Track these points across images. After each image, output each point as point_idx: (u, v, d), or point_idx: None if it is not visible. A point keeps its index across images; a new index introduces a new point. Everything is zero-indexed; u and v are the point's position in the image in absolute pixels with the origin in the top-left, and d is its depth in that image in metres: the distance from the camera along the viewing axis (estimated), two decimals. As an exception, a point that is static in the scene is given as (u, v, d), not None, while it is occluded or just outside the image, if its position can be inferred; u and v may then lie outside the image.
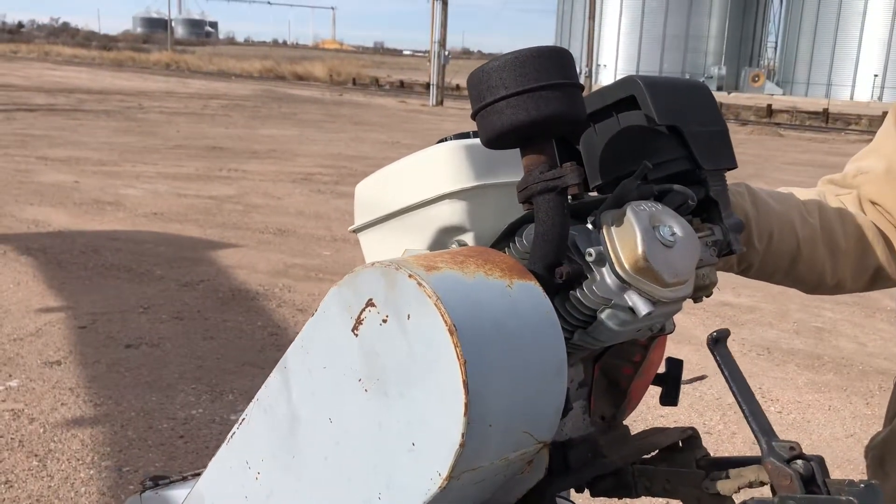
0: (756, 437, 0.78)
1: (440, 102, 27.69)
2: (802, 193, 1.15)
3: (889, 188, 1.12)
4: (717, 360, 0.83)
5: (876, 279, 1.14)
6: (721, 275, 0.99)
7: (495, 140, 0.74)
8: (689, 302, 0.86)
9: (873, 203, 1.14)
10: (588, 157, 0.90)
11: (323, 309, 0.70)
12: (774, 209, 1.07)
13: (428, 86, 29.45)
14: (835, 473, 0.78)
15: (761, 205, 1.06)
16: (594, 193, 0.91)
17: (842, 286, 1.14)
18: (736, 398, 0.81)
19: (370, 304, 0.67)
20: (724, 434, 3.92)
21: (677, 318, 0.89)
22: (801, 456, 0.75)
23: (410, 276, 0.64)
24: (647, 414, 3.71)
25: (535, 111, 0.71)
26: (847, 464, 3.71)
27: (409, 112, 24.53)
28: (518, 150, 0.75)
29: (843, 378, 4.79)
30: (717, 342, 0.84)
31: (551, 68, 0.72)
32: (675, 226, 0.77)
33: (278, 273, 6.31)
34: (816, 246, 1.09)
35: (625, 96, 0.86)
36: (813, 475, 0.74)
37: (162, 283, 5.84)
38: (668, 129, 0.86)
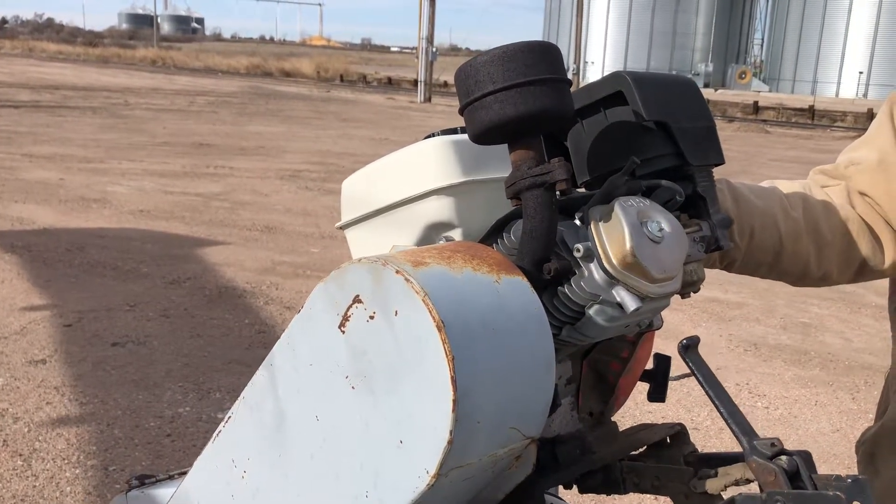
0: (737, 437, 0.78)
1: (428, 99, 27.66)
2: (786, 186, 1.15)
3: (880, 179, 1.12)
4: (689, 367, 0.83)
5: (862, 271, 1.15)
6: (708, 271, 0.99)
7: (483, 135, 0.74)
8: (676, 298, 0.86)
9: (862, 194, 1.14)
10: (576, 153, 0.89)
11: (309, 306, 0.70)
12: (756, 205, 1.07)
13: (416, 82, 29.41)
14: (821, 468, 0.78)
15: (742, 201, 1.06)
16: (582, 189, 0.91)
17: (828, 278, 1.15)
18: (713, 402, 0.81)
19: (357, 300, 0.66)
20: (712, 429, 3.94)
21: (665, 314, 0.89)
22: (784, 451, 0.75)
23: (398, 271, 0.64)
24: (634, 410, 3.72)
25: (524, 106, 0.71)
26: (833, 458, 3.73)
27: (397, 109, 24.48)
28: (506, 145, 0.75)
29: (829, 373, 4.82)
30: (688, 349, 0.84)
31: (539, 63, 0.72)
32: (662, 221, 0.76)
33: (266, 270, 6.29)
34: (800, 239, 1.09)
35: (612, 92, 0.86)
36: (798, 470, 0.74)
37: (148, 281, 5.81)
38: (655, 124, 0.85)
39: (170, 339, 4.72)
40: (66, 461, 3.34)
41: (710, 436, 3.87)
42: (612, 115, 0.87)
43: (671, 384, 0.96)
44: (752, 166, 14.16)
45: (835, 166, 1.19)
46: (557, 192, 0.73)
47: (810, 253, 1.10)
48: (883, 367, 1.34)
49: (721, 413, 0.80)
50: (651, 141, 0.86)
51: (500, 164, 0.82)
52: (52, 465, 3.31)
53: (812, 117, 27.29)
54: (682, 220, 0.87)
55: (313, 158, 12.55)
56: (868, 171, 1.14)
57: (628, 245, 0.73)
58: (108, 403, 3.85)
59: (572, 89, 0.77)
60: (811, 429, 4.08)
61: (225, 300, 5.50)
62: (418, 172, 0.84)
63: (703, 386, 0.82)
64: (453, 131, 0.87)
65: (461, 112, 0.74)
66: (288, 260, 6.65)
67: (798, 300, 6.21)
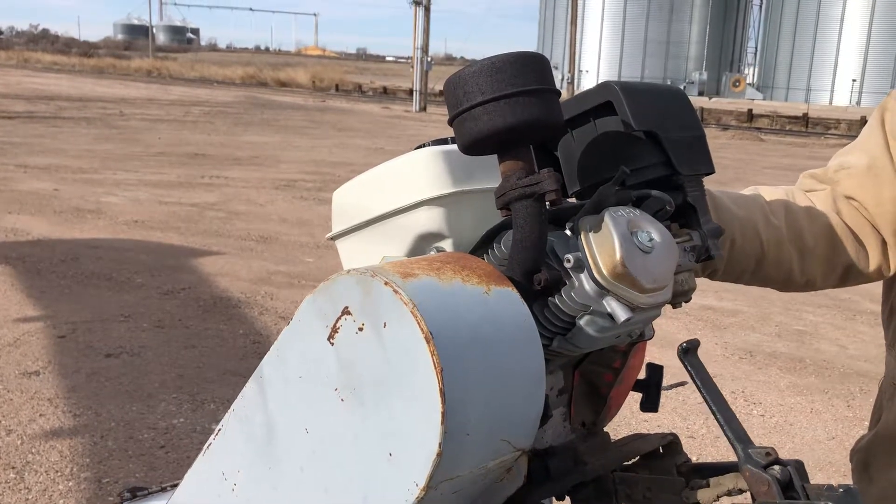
0: (732, 444, 0.78)
1: (423, 108, 27.73)
2: (769, 193, 1.15)
3: (869, 183, 1.13)
4: (688, 371, 0.83)
5: (847, 276, 1.15)
6: (700, 279, 0.99)
7: (472, 146, 0.73)
8: (669, 307, 0.86)
9: (850, 198, 1.15)
10: (566, 163, 0.89)
11: (298, 317, 0.69)
12: (736, 214, 1.07)
13: (411, 92, 29.49)
14: (817, 476, 0.78)
15: (723, 211, 1.06)
16: (572, 199, 0.91)
17: (812, 284, 1.15)
18: (710, 407, 0.81)
19: (346, 312, 0.66)
20: (708, 438, 3.93)
21: (660, 321, 0.89)
22: (778, 461, 0.75)
23: (386, 283, 0.64)
24: (630, 418, 3.72)
25: (512, 117, 0.71)
26: (829, 466, 3.73)
27: (392, 118, 24.52)
28: (496, 155, 0.75)
29: (824, 381, 4.83)
30: (688, 352, 0.84)
31: (528, 74, 0.72)
32: (653, 231, 0.76)
33: (260, 280, 6.28)
34: (782, 246, 1.10)
35: (602, 102, 0.86)
36: (791, 480, 0.74)
37: (143, 292, 5.79)
38: (645, 134, 0.85)
39: (164, 349, 4.70)
40: (59, 473, 3.32)
41: (706, 444, 3.87)
42: (601, 126, 0.87)
43: (667, 393, 0.96)
44: (746, 174, 14.20)
45: (825, 170, 1.20)
46: (547, 203, 0.73)
47: (793, 259, 1.11)
48: (878, 374, 1.34)
49: (717, 419, 0.80)
50: (641, 151, 0.86)
51: (490, 174, 0.82)
52: (45, 477, 3.29)
53: (806, 125, 27.41)
54: (672, 230, 0.87)
55: (308, 168, 12.56)
56: (857, 176, 1.15)
57: (618, 255, 0.72)
58: (101, 415, 3.83)
59: (566, 98, 0.77)
60: (807, 436, 4.07)
61: (219, 311, 5.49)
62: (408, 183, 0.84)
63: (700, 391, 0.82)
64: (444, 141, 0.87)
65: (450, 123, 0.74)
66: (283, 270, 6.64)
67: (793, 307, 6.21)
